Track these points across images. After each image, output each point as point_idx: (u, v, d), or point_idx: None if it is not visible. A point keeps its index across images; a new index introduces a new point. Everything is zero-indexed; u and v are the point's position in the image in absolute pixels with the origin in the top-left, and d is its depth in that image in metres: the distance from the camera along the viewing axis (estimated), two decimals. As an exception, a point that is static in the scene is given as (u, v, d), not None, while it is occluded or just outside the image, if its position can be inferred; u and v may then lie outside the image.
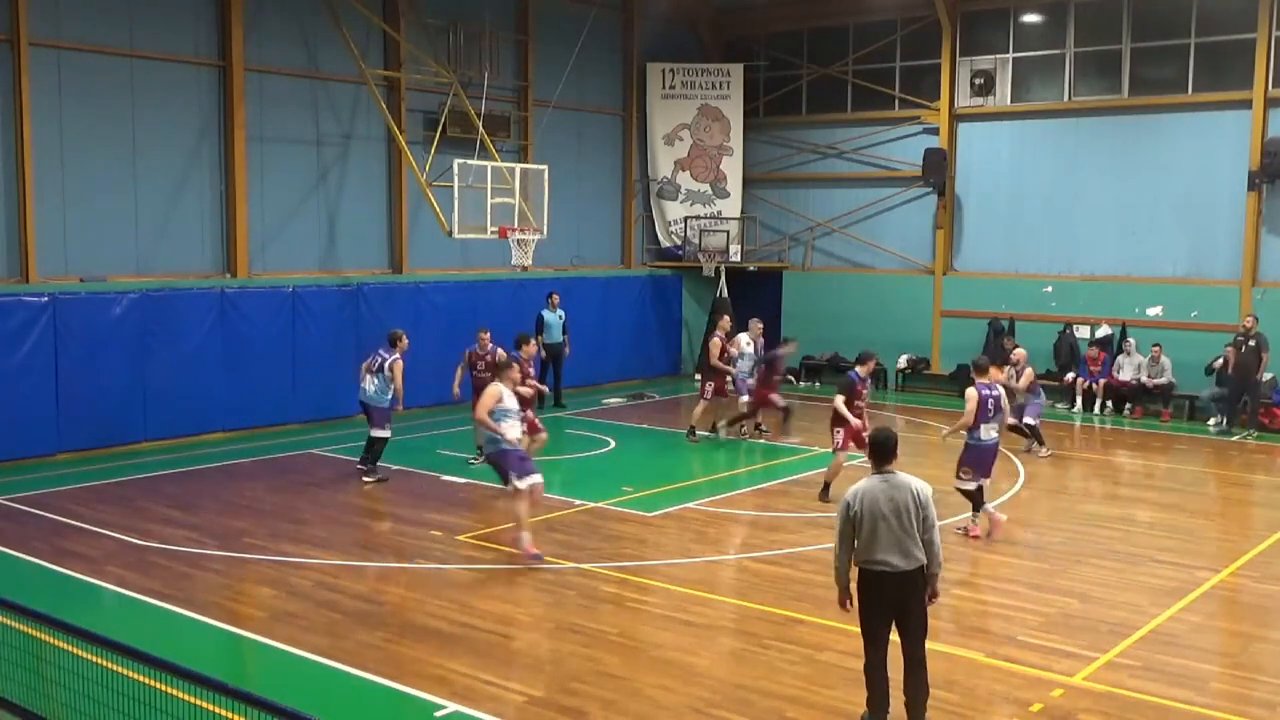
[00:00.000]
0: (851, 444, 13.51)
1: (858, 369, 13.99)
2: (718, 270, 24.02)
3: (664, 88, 25.20)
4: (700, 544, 12.19)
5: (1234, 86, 20.21)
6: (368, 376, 14.74)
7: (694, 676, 8.40)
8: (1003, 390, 12.64)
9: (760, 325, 18.29)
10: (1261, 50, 19.77)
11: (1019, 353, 16.99)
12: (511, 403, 11.43)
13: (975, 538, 12.21)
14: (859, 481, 7.33)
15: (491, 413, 11.21)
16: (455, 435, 17.79)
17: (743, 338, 17.91)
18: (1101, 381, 20.83)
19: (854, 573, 7.35)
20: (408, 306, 19.72)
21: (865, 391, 14.04)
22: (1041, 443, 16.95)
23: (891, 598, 7.15)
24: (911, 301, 23.68)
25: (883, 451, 7.32)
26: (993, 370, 12.77)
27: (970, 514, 12.42)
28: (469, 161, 18.10)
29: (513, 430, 11.39)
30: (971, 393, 12.26)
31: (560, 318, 20.03)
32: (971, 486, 12.27)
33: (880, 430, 7.47)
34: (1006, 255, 22.89)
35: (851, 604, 7.31)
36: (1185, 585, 10.75)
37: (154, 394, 16.68)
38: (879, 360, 17.10)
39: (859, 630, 7.36)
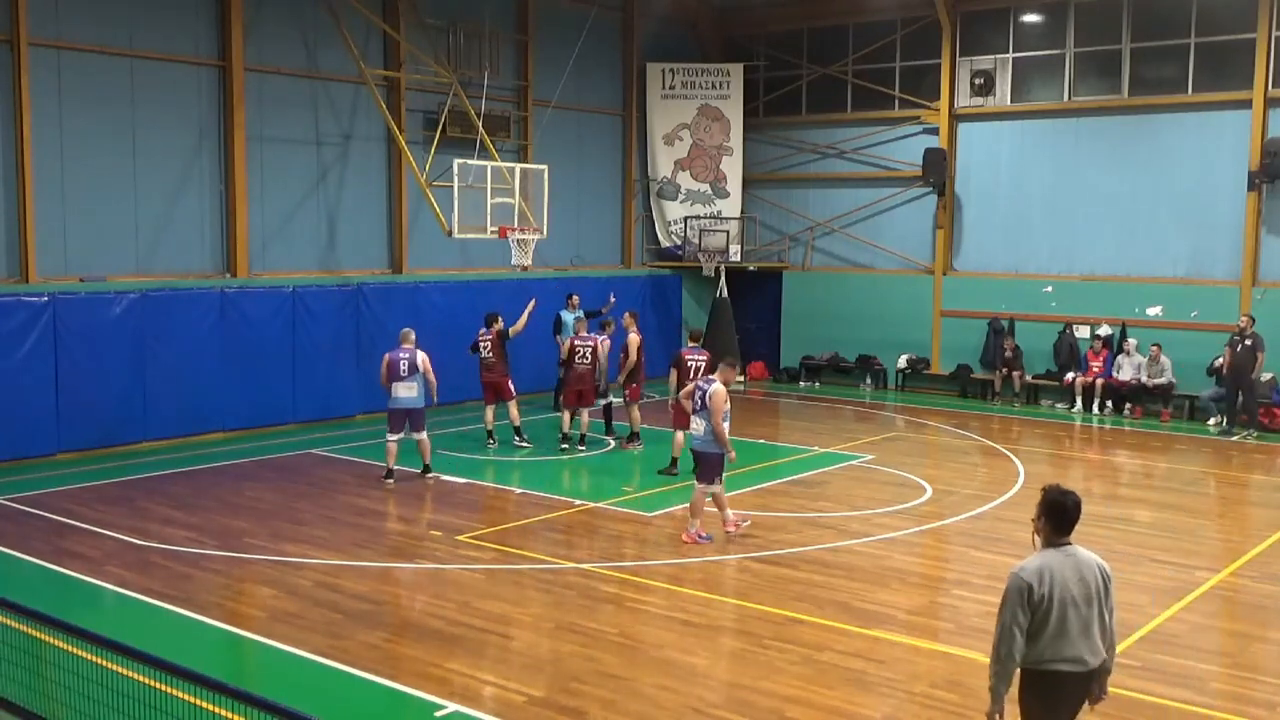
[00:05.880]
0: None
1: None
2: (718, 270, 24.01)
3: (664, 88, 25.21)
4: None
5: (1234, 86, 20.21)
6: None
7: (694, 676, 8.40)
8: None
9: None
10: (1261, 50, 19.77)
11: None
12: (728, 405, 12.11)
13: None
14: (1031, 557, 5.76)
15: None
16: (455, 435, 17.79)
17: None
18: (1101, 381, 20.83)
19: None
20: (408, 306, 19.71)
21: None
22: None
23: (1067, 706, 5.75)
24: (911, 301, 23.69)
25: (1064, 519, 5.75)
26: None
27: None
28: (469, 161, 18.09)
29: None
30: None
31: (579, 318, 19.97)
32: None
33: (1063, 492, 5.78)
34: (1006, 255, 22.89)
35: (1001, 718, 5.73)
36: (1185, 585, 10.75)
37: (154, 394, 16.68)
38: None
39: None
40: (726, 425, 12.01)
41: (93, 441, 16.08)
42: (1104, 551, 11.68)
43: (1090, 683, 5.76)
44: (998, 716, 5.66)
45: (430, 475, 14.84)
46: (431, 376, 14.57)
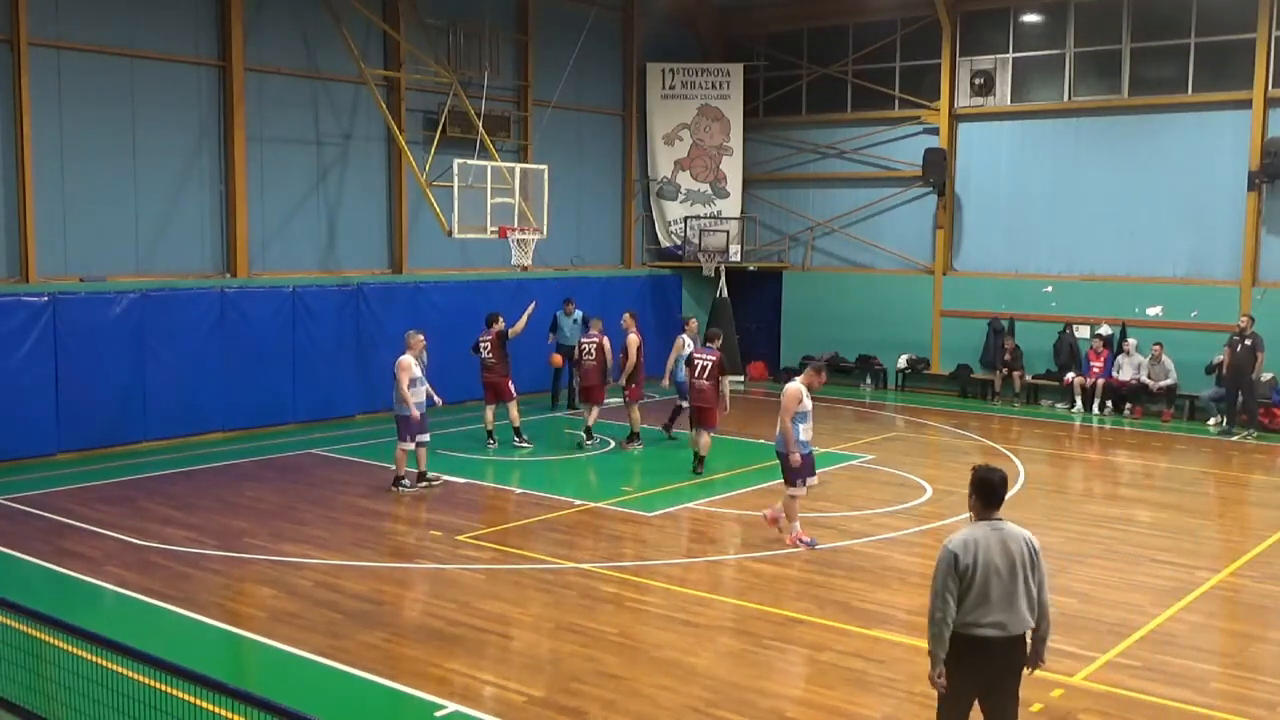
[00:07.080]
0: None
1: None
2: (718, 270, 24.02)
3: (664, 88, 25.20)
4: (700, 544, 12.19)
5: (1234, 86, 20.21)
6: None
7: (694, 676, 8.40)
8: None
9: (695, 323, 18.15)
10: (1261, 50, 19.77)
11: None
12: (809, 404, 11.63)
13: None
14: (960, 530, 6.17)
15: (793, 416, 11.58)
16: (455, 435, 17.79)
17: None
18: (1101, 381, 20.83)
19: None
20: (408, 306, 19.71)
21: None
22: None
23: (986, 668, 6.12)
24: (911, 301, 23.68)
25: (992, 495, 6.15)
26: None
27: None
28: (469, 161, 18.10)
29: (808, 432, 11.72)
30: None
31: (575, 322, 20.01)
32: None
33: (990, 470, 6.22)
34: (1006, 255, 22.89)
35: (943, 679, 6.16)
36: (1185, 585, 10.76)
37: (154, 394, 16.67)
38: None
39: (938, 702, 6.27)
40: (806, 427, 11.65)
41: (93, 441, 16.07)
42: (1104, 551, 11.81)
43: (1013, 649, 6.11)
44: (940, 678, 6.12)
45: (396, 488, 14.11)
46: (399, 383, 13.78)
